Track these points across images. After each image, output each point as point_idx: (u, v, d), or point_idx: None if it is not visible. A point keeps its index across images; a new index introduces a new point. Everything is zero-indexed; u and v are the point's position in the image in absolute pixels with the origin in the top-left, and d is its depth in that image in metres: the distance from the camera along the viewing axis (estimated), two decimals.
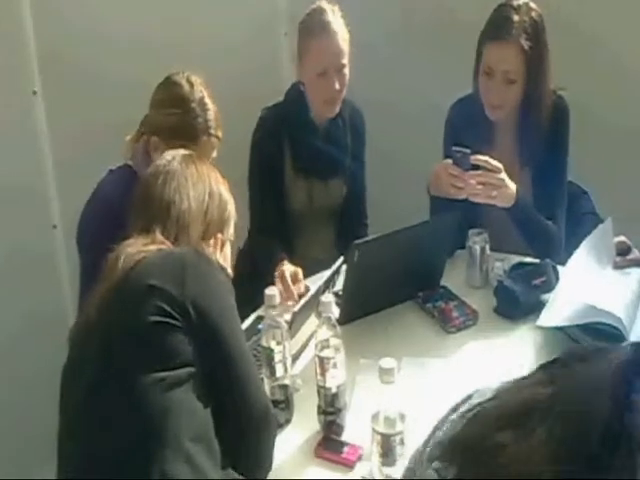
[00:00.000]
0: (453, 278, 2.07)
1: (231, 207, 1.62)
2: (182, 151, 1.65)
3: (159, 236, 1.46)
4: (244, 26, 2.84)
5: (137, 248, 1.42)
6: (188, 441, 1.31)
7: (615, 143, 2.64)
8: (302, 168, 2.36)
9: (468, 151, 2.00)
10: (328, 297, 1.61)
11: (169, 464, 1.28)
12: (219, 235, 1.59)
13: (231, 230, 1.63)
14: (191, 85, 1.99)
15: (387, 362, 1.43)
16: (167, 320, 1.34)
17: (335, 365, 1.58)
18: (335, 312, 1.70)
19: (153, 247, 1.43)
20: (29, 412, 2.38)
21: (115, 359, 1.36)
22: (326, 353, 1.59)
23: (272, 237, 2.25)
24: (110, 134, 2.46)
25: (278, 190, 2.35)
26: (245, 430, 1.43)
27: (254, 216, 2.34)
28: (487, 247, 2.05)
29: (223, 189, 1.61)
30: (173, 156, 1.60)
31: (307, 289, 2.04)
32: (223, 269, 1.51)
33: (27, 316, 2.41)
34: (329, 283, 1.93)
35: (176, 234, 1.49)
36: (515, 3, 2.13)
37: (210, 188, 1.57)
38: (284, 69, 2.93)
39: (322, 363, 1.59)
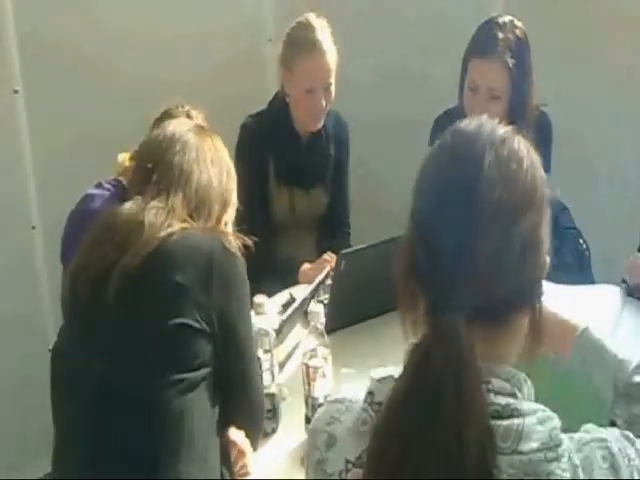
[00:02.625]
0: None
1: (236, 188, 1.58)
2: (193, 122, 1.59)
3: (179, 204, 1.42)
4: (229, 31, 2.84)
5: (161, 219, 1.37)
6: (201, 441, 1.33)
7: (593, 160, 2.68)
8: (284, 177, 2.37)
9: None
10: (317, 307, 1.61)
11: (183, 465, 1.30)
12: (224, 215, 1.54)
13: (233, 211, 1.59)
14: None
15: (378, 373, 1.44)
16: (191, 323, 1.33)
17: (323, 374, 1.58)
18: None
19: (177, 226, 1.38)
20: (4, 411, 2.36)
21: (133, 356, 1.34)
22: (314, 362, 1.59)
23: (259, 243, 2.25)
24: (92, 136, 2.45)
25: (262, 198, 2.35)
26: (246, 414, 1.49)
27: (241, 221, 2.32)
28: None
29: (233, 168, 1.57)
30: (187, 127, 1.54)
31: (292, 298, 2.04)
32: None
33: (4, 317, 2.38)
34: (315, 292, 1.93)
35: (196, 205, 1.45)
36: (500, 20, 2.16)
37: (227, 167, 1.54)
38: (268, 75, 2.93)
39: (309, 372, 1.59)
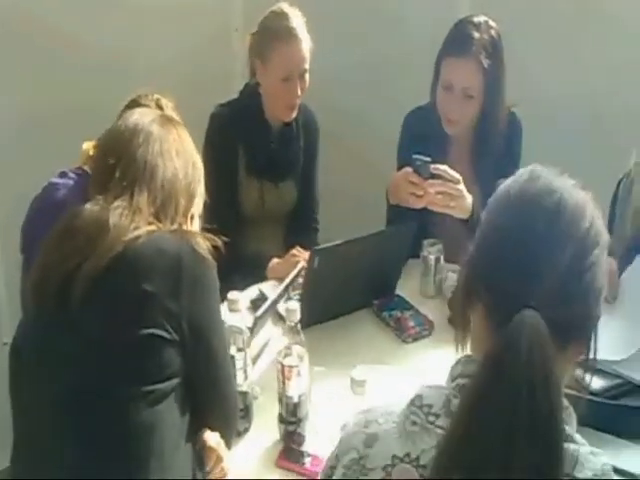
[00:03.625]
0: (406, 287, 2.08)
1: (203, 179, 1.54)
2: (158, 112, 1.55)
3: (144, 202, 1.37)
4: (196, 20, 2.79)
5: (126, 220, 1.32)
6: (171, 451, 1.30)
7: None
8: (254, 169, 2.34)
9: (428, 159, 2.02)
10: (294, 305, 1.58)
11: (153, 475, 1.27)
12: (191, 209, 1.50)
13: (201, 202, 1.55)
14: (161, 110, 1.84)
15: (359, 374, 1.43)
16: (161, 333, 1.29)
17: (299, 373, 1.56)
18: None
19: (142, 229, 1.33)
20: None
21: (100, 366, 1.29)
22: (289, 361, 1.56)
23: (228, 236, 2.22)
24: (53, 121, 2.38)
25: (232, 189, 2.32)
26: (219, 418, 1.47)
27: (211, 213, 2.27)
28: (441, 257, 2.07)
29: (199, 159, 1.52)
30: (151, 117, 1.48)
31: (262, 294, 2.02)
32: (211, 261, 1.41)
33: None
34: (288, 288, 1.91)
35: (162, 201, 1.40)
36: (475, 20, 2.16)
37: (193, 159, 1.49)
38: (235, 64, 2.89)
39: (284, 371, 1.56)
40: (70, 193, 1.87)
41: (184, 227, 1.46)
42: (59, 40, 2.42)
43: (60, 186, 1.91)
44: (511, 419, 0.81)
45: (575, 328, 0.90)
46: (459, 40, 2.13)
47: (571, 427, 0.89)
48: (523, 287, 0.87)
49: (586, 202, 0.93)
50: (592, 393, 1.65)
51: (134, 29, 2.60)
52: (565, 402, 0.89)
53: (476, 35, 2.10)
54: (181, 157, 1.46)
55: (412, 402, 0.92)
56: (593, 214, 0.93)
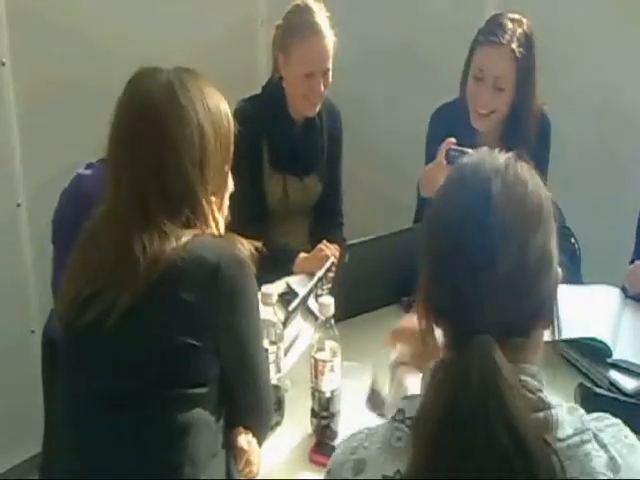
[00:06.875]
0: None
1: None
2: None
3: (167, 216, 1.31)
4: (222, 13, 2.79)
5: (153, 246, 1.27)
6: (205, 456, 1.30)
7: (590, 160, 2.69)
8: (278, 164, 2.34)
9: (469, 151, 1.98)
10: (328, 299, 1.57)
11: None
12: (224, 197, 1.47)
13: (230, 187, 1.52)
14: None
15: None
16: (198, 343, 1.28)
17: (332, 369, 1.56)
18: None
19: (184, 239, 1.29)
20: None
21: (136, 370, 1.29)
22: (322, 356, 1.56)
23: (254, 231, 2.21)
24: (79, 111, 2.37)
25: (257, 183, 2.31)
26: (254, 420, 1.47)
27: (236, 209, 2.27)
28: None
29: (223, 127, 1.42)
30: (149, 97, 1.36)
31: (289, 288, 2.01)
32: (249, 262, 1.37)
33: None
34: (319, 283, 1.91)
35: (185, 208, 1.33)
36: (509, 15, 2.16)
37: (213, 135, 1.41)
38: (260, 59, 2.89)
39: (317, 366, 1.56)
40: (96, 184, 1.87)
41: (216, 213, 1.43)
42: (85, 24, 2.42)
43: (87, 177, 1.93)
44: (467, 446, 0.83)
45: (535, 315, 0.92)
46: (494, 29, 2.13)
47: (544, 391, 0.91)
48: (468, 294, 0.89)
49: (521, 181, 0.92)
50: (626, 394, 1.65)
51: (160, 20, 2.60)
52: (533, 369, 0.92)
53: (510, 26, 2.11)
54: (214, 157, 1.40)
55: (394, 418, 0.95)
56: (533, 191, 0.91)
